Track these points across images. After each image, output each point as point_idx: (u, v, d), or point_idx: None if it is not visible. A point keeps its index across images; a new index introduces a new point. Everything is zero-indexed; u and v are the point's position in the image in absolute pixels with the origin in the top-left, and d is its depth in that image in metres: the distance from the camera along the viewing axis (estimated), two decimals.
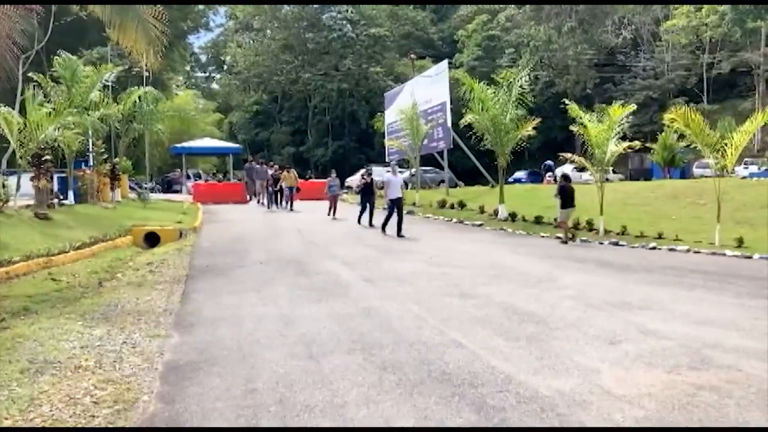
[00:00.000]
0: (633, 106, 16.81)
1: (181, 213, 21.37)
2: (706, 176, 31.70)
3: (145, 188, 25.86)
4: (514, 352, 6.13)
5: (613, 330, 6.96)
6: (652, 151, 30.98)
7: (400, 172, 34.11)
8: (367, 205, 18.90)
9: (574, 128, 17.78)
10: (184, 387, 5.29)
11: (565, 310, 7.96)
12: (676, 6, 54.77)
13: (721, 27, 51.40)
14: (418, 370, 5.57)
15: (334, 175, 23.29)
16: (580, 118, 16.61)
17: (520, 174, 43.27)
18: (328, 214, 21.50)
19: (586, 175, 41.56)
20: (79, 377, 5.44)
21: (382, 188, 19.25)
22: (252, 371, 5.64)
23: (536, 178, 40.26)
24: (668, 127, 30.22)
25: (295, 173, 25.65)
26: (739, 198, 17.72)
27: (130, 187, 29.16)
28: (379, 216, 18.08)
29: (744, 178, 21.18)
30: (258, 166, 27.57)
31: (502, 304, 8.36)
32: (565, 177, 16.43)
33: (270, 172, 25.78)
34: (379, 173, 42.52)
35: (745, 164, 33.99)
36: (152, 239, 16.33)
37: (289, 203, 24.33)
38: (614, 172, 31.58)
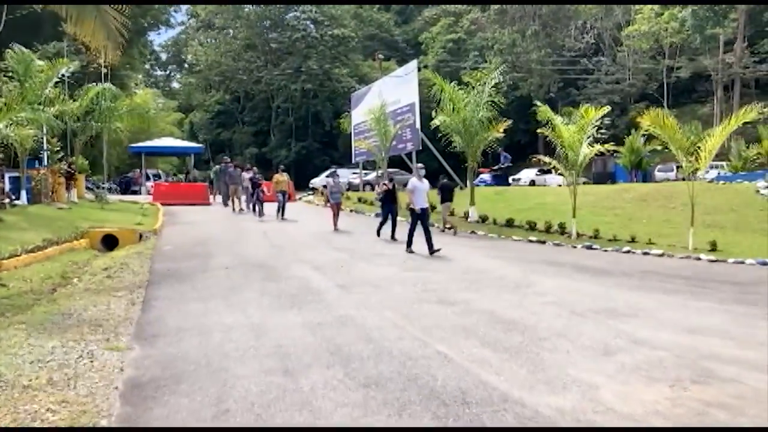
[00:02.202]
0: (607, 108, 16.68)
1: (140, 214, 20.56)
2: (669, 179, 32.22)
3: (103, 188, 24.82)
4: (505, 365, 5.75)
5: (604, 339, 6.64)
6: (615, 154, 31.11)
7: (365, 173, 33.81)
8: (389, 215, 16.30)
9: (542, 131, 17.61)
10: (147, 408, 4.77)
11: (550, 318, 7.63)
12: (637, 11, 55.53)
13: (680, 33, 52.33)
14: (405, 387, 5.14)
15: (337, 179, 19.73)
16: (552, 120, 16.39)
17: (485, 176, 43.25)
18: (336, 227, 18.05)
19: (549, 178, 42.03)
20: (29, 398, 4.87)
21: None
22: (223, 389, 5.14)
23: (501, 180, 40.24)
24: (636, 130, 30.69)
25: (288, 176, 22.45)
26: (707, 202, 17.73)
27: (87, 188, 28.11)
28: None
29: (711, 181, 21.26)
30: (232, 169, 24.86)
31: (483, 311, 8.00)
32: (449, 177, 20.35)
33: (248, 175, 23.35)
34: (344, 175, 42.29)
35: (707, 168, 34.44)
36: (110, 242, 15.57)
37: (281, 211, 20.73)
38: (560, 175, 31.73)
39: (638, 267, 12.01)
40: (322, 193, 22.79)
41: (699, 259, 12.92)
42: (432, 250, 13.22)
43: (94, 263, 12.54)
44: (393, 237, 15.93)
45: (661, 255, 13.48)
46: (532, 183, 39.90)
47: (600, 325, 7.31)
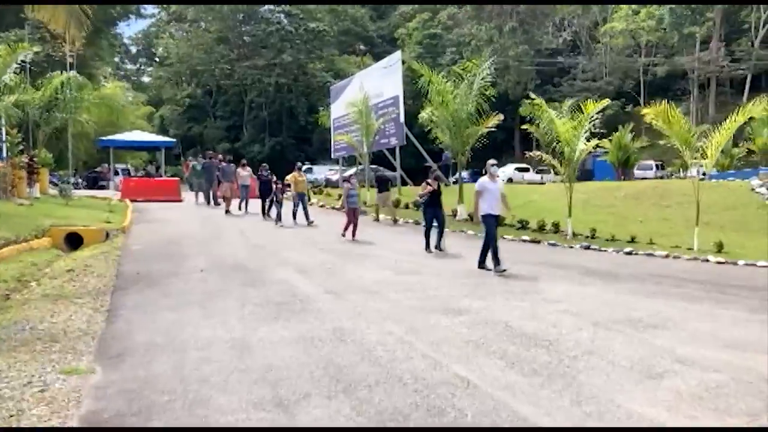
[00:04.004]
0: (606, 101, 15.90)
1: (107, 211, 19.28)
2: (647, 178, 31.74)
3: (66, 182, 23.40)
4: (541, 393, 4.86)
5: (642, 358, 5.78)
6: (592, 151, 30.45)
7: (343, 169, 32.59)
8: (434, 220, 13.30)
9: (528, 126, 16.87)
10: None
11: (572, 331, 6.76)
12: (614, 9, 55.35)
13: (657, 31, 52.27)
14: (430, 425, 4.21)
15: (354, 182, 16.27)
16: (547, 114, 15.58)
17: (463, 174, 42.45)
18: (344, 235, 15.29)
19: (527, 176, 41.43)
20: None
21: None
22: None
23: (479, 177, 39.36)
24: (623, 127, 30.17)
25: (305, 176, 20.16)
26: (702, 200, 16.99)
27: (52, 182, 26.64)
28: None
29: (702, 179, 20.69)
30: (226, 164, 22.04)
31: (495, 322, 7.11)
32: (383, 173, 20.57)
33: (244, 172, 20.82)
34: (320, 171, 41.13)
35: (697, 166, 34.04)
36: (74, 241, 14.40)
37: (305, 215, 17.98)
38: (556, 173, 30.97)
39: (646, 270, 11.25)
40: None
41: (707, 261, 12.23)
42: (499, 268, 10.40)
43: (56, 265, 11.41)
44: (439, 246, 13.17)
45: (666, 256, 12.76)
46: (510, 180, 39.30)
47: (630, 339, 6.47)
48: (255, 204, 20.40)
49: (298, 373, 5.35)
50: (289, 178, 18.45)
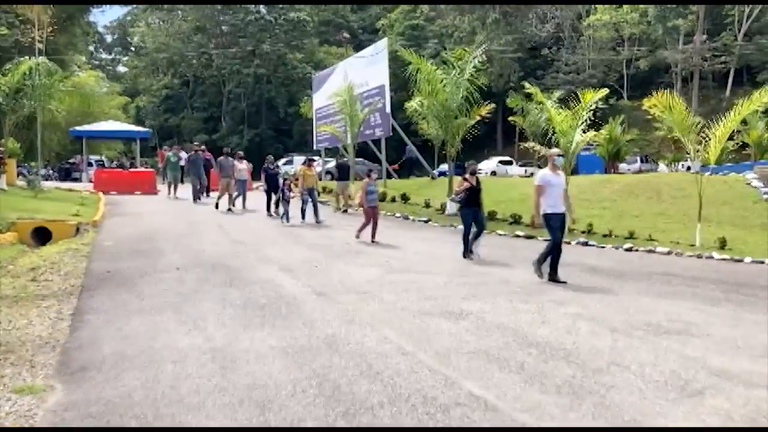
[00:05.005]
0: (605, 90, 15.29)
1: (78, 204, 18.31)
2: (631, 172, 31.32)
3: (35, 174, 22.29)
4: (572, 416, 4.21)
5: (673, 371, 5.16)
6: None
7: (326, 161, 31.61)
8: (473, 222, 11.33)
9: (513, 119, 16.23)
10: None
11: (589, 338, 6.14)
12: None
13: (641, 24, 52.03)
14: None
15: (374, 176, 14.33)
16: (542, 102, 14.96)
17: (444, 167, 41.92)
18: (358, 236, 13.29)
19: (511, 169, 40.97)
20: None
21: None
22: None
23: (461, 171, 38.78)
24: (612, 119, 29.66)
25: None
26: (698, 194, 16.64)
27: (20, 174, 25.51)
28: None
29: (696, 173, 20.22)
30: (223, 158, 19.61)
31: (503, 327, 6.46)
32: (345, 161, 21.37)
33: (242, 166, 18.92)
34: (300, 162, 40.19)
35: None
36: (42, 235, 13.52)
37: (315, 212, 16.34)
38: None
39: (651, 267, 10.67)
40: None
41: (711, 257, 11.70)
42: (555, 278, 9.00)
43: (20, 261, 10.55)
44: (469, 249, 11.32)
45: (668, 253, 12.21)
46: (494, 173, 38.81)
47: (655, 347, 5.85)
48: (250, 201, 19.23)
49: (289, 391, 4.65)
50: (297, 171, 17.07)
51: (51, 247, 12.22)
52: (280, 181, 17.07)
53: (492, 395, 4.58)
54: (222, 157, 19.68)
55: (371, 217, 13.28)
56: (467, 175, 11.51)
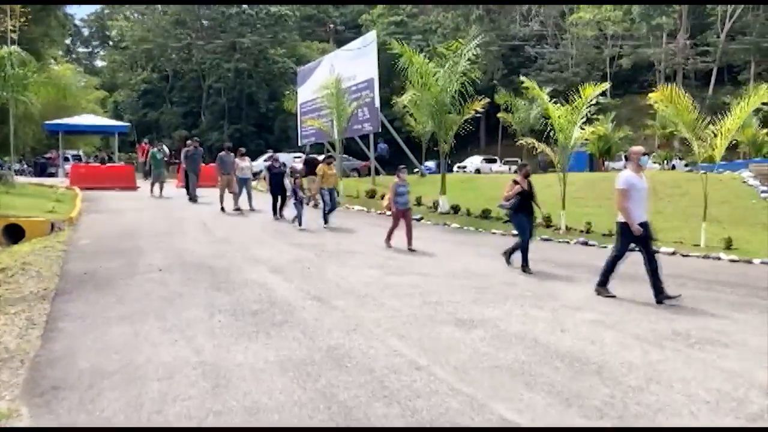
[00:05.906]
0: (606, 84, 14.83)
1: (54, 200, 17.49)
2: (616, 169, 31.03)
3: (8, 168, 21.34)
4: None
5: (719, 389, 4.66)
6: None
7: (296, 158, 30.31)
8: (527, 233, 9.97)
9: (502, 115, 15.73)
10: None
11: (617, 349, 5.61)
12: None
13: (624, 22, 51.94)
14: None
15: (404, 176, 12.30)
16: (541, 99, 14.46)
17: (429, 164, 41.49)
18: (389, 244, 11.87)
19: (495, 167, 40.63)
20: None
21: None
22: None
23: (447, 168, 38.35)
24: (603, 116, 29.36)
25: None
26: (695, 192, 16.22)
27: None
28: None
29: (690, 170, 19.97)
30: (224, 153, 18.11)
31: (522, 337, 5.91)
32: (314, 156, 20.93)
33: (243, 163, 17.63)
34: (284, 159, 39.38)
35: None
36: (14, 233, 12.74)
37: (324, 215, 14.77)
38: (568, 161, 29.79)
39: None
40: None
41: (719, 258, 11.26)
42: (662, 296, 7.62)
43: None
44: (509, 259, 10.20)
45: (673, 253, 11.74)
46: (478, 171, 38.46)
47: (690, 360, 5.34)
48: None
49: (294, 415, 4.06)
50: (318, 170, 15.38)
51: (23, 246, 11.45)
52: (286, 182, 15.40)
53: (526, 420, 4.03)
54: (223, 152, 18.23)
55: (400, 220, 11.86)
56: (518, 177, 10.09)
